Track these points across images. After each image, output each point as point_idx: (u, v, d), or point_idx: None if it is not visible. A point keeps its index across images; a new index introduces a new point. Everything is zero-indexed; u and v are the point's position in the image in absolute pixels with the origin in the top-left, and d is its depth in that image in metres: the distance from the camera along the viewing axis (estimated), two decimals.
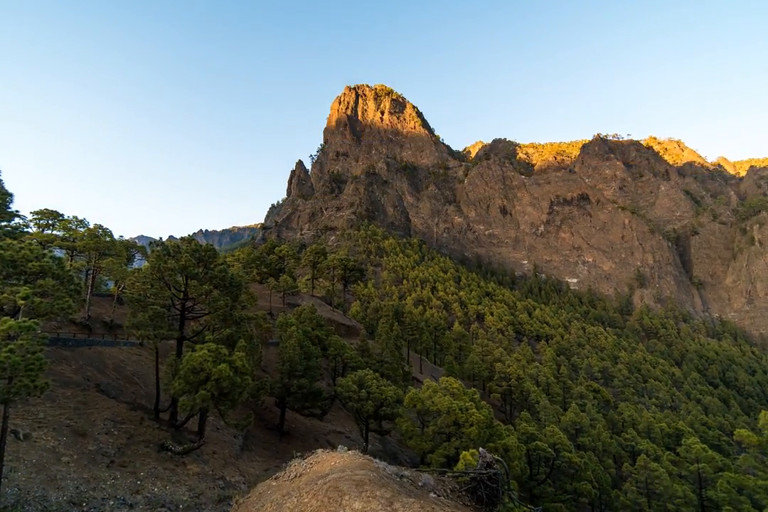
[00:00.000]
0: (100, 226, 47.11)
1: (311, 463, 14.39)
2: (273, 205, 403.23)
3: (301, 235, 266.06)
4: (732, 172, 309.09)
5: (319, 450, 15.72)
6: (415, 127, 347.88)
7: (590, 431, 59.18)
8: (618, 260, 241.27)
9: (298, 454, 16.04)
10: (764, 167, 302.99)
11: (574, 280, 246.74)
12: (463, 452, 24.83)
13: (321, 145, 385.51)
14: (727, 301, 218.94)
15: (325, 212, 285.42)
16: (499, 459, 16.72)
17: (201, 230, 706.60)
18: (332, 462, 13.80)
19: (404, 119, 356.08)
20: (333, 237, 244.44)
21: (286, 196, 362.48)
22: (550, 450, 39.43)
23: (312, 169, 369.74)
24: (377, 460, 14.66)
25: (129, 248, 53.15)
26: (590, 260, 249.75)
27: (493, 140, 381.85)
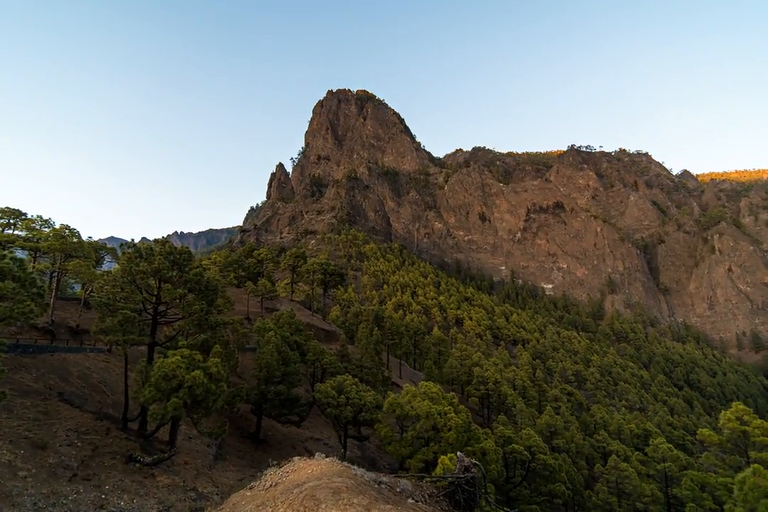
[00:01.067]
0: (67, 227, 44.97)
1: (287, 472, 14.09)
2: (252, 208, 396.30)
3: (281, 238, 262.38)
4: (694, 184, 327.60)
5: (296, 458, 15.43)
6: (396, 132, 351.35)
7: (564, 433, 60.57)
8: (590, 266, 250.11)
9: (274, 463, 15.69)
10: (723, 180, 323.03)
11: (550, 286, 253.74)
12: (442, 456, 24.90)
13: (302, 148, 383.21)
14: (690, 307, 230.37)
15: (305, 216, 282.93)
16: (477, 463, 16.89)
17: (176, 232, 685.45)
18: (309, 470, 13.56)
19: (386, 125, 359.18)
20: (313, 241, 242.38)
21: (265, 199, 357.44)
22: (526, 452, 40.10)
23: (293, 172, 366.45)
24: (355, 467, 14.52)
25: (98, 250, 50.94)
26: (565, 266, 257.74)
27: (473, 148, 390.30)
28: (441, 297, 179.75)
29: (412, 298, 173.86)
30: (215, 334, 35.16)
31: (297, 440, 34.97)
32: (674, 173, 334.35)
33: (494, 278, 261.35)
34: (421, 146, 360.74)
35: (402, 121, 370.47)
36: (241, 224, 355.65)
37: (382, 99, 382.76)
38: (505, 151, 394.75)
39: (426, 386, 35.42)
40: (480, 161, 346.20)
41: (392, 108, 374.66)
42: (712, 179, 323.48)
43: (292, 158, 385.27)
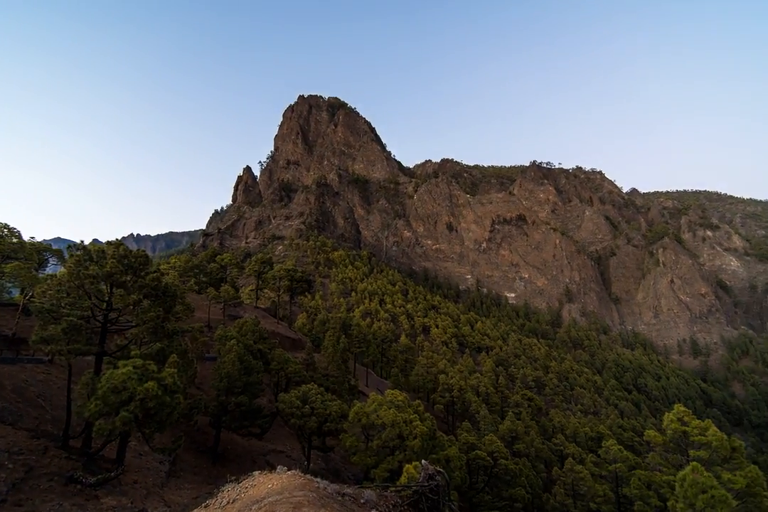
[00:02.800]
0: (6, 226, 41.25)
1: (246, 487, 13.50)
2: (216, 211, 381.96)
3: (247, 243, 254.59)
4: (641, 201, 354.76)
5: (256, 473, 14.83)
6: (367, 141, 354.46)
7: (525, 438, 62.33)
8: (550, 277, 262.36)
9: (233, 478, 14.99)
10: (666, 199, 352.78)
11: (512, 295, 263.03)
12: (406, 465, 24.80)
13: (271, 152, 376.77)
14: (638, 315, 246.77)
15: (273, 221, 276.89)
16: (441, 470, 17.02)
17: (132, 234, 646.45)
18: (269, 484, 13.09)
19: (357, 132, 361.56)
20: (280, 246, 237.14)
21: (231, 203, 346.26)
22: (488, 458, 40.85)
23: (260, 176, 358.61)
24: (318, 479, 14.18)
25: (41, 251, 46.88)
26: (526, 276, 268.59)
27: (442, 159, 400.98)
28: (409, 305, 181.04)
29: (380, 306, 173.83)
30: (172, 343, 33.34)
31: (258, 453, 33.52)
32: (624, 191, 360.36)
33: (460, 286, 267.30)
34: (392, 155, 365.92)
35: (373, 130, 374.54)
36: (204, 227, 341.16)
37: (353, 107, 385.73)
38: (472, 164, 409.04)
39: (392, 394, 35.34)
40: (448, 172, 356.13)
41: (363, 116, 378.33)
42: (657, 198, 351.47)
43: (260, 162, 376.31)
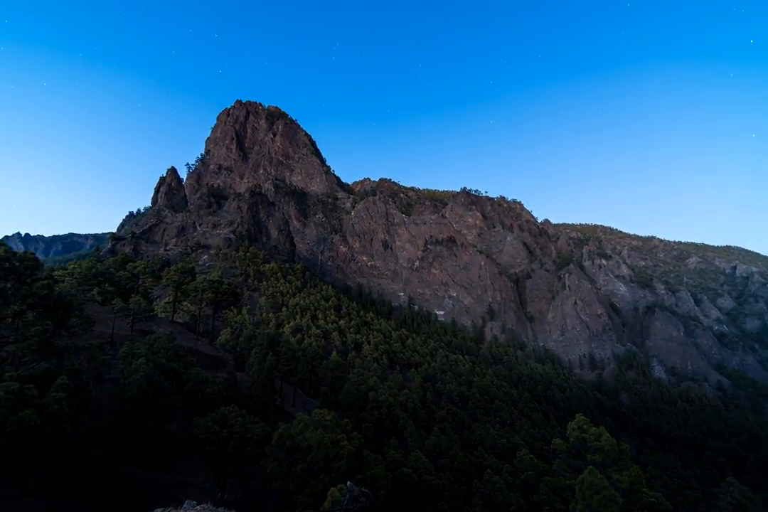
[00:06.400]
0: None
1: None
2: (132, 213, 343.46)
3: (166, 250, 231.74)
4: (552, 231, 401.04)
5: (158, 510, 13.12)
6: (307, 153, 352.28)
7: (448, 452, 63.81)
8: (475, 296, 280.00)
9: None
10: (572, 230, 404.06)
11: (441, 312, 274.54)
12: (331, 488, 23.79)
13: (201, 154, 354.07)
14: (548, 333, 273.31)
15: (198, 228, 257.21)
16: (366, 491, 16.73)
17: (18, 233, 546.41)
18: None
19: (297, 144, 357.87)
20: (206, 256, 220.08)
21: (150, 205, 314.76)
22: (414, 475, 40.97)
23: (187, 179, 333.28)
24: None
25: None
26: (454, 295, 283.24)
27: (380, 179, 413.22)
28: (341, 322, 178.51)
29: (312, 322, 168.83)
30: (62, 362, 28.58)
31: (165, 487, 29.45)
32: (539, 221, 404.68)
33: (393, 303, 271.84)
34: (331, 170, 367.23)
35: (313, 143, 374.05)
36: (114, 230, 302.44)
37: (294, 119, 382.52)
38: (408, 185, 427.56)
39: (320, 414, 34.08)
40: (385, 191, 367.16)
41: (304, 129, 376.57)
42: (564, 229, 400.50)
43: (188, 164, 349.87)
